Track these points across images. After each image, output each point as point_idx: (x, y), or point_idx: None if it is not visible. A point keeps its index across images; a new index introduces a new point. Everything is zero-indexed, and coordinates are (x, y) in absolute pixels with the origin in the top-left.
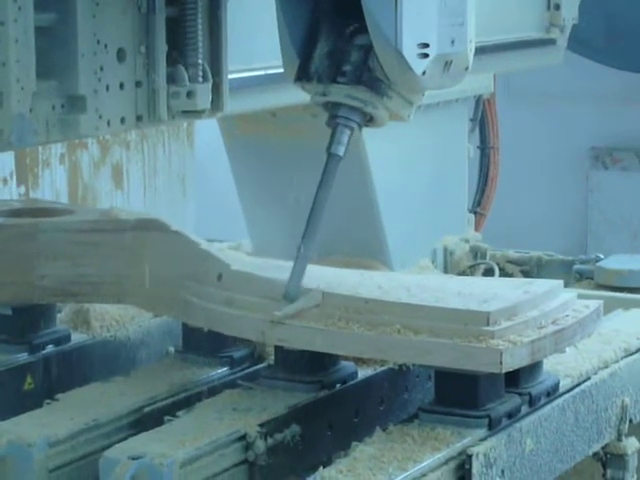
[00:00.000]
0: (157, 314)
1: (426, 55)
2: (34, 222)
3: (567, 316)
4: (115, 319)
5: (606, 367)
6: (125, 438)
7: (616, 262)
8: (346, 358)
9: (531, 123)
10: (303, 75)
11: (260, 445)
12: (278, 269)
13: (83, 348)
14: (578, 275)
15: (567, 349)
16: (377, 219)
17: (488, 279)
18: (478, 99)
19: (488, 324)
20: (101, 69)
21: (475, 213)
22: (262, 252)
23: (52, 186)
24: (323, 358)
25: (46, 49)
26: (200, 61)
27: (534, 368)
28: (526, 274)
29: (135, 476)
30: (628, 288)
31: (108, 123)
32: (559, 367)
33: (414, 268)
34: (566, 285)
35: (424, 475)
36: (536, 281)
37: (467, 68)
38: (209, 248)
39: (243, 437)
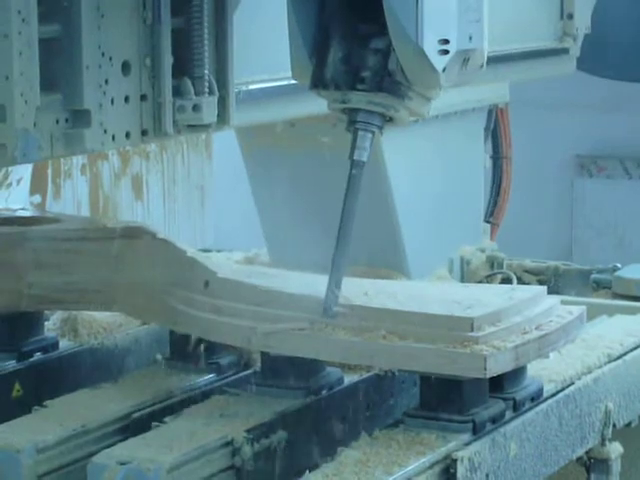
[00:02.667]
0: (144, 322)
1: (446, 51)
2: (22, 231)
3: (551, 322)
4: (103, 327)
5: (589, 372)
6: (113, 444)
7: (634, 271)
8: (332, 364)
9: (516, 131)
10: (319, 82)
11: (247, 451)
12: (265, 276)
13: (71, 355)
14: (595, 285)
15: (551, 354)
16: (395, 229)
17: (472, 285)
18: (491, 109)
19: (472, 330)
20: (106, 82)
21: (488, 223)
22: (279, 262)
23: (74, 197)
24: (309, 364)
25: (50, 62)
26: (206, 74)
27: (518, 373)
28: (543, 284)
29: None
30: None
31: (113, 138)
32: (543, 372)
33: (431, 278)
34: (583, 295)
35: (409, 479)
36: (520, 287)
37: (482, 65)
38: (196, 256)
39: (230, 443)
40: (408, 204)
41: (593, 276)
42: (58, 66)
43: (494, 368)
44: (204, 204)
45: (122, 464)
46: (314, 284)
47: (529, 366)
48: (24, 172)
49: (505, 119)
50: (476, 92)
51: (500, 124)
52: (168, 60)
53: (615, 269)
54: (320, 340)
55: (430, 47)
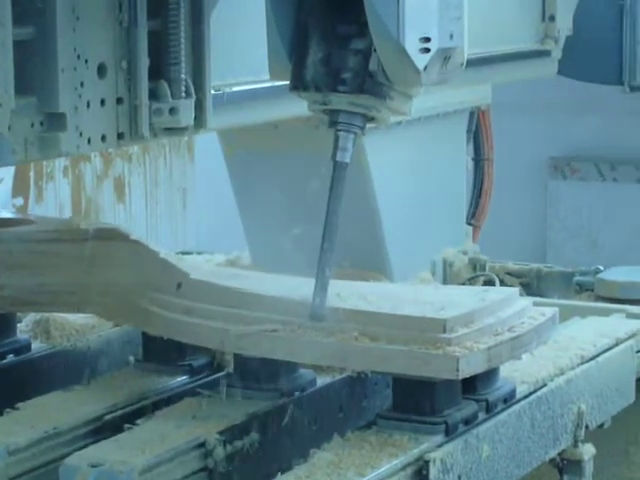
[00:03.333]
0: (117, 323)
1: (428, 50)
2: None
3: (523, 323)
4: (75, 328)
5: (562, 374)
6: (85, 446)
7: (617, 274)
8: (305, 366)
9: None
10: (299, 84)
11: (219, 452)
12: (238, 278)
13: (43, 357)
14: (578, 287)
15: (523, 356)
16: (378, 231)
17: (445, 287)
18: (472, 111)
19: (445, 331)
20: (81, 85)
21: (469, 225)
22: (261, 264)
23: (56, 199)
24: (282, 366)
25: (25, 64)
26: (183, 76)
27: (490, 375)
28: (525, 286)
29: None
30: (629, 300)
31: (89, 141)
32: (515, 374)
33: (414, 280)
34: (566, 297)
35: None
36: (493, 289)
37: (462, 64)
38: (168, 257)
39: (202, 444)
40: (391, 206)
41: (576, 278)
42: (33, 69)
43: (466, 369)
44: (186, 206)
45: (94, 466)
46: (288, 286)
47: (501, 367)
48: (5, 173)
49: (487, 121)
50: (458, 94)
51: (482, 126)
52: (144, 62)
53: (597, 271)
54: (293, 342)
55: (411, 45)
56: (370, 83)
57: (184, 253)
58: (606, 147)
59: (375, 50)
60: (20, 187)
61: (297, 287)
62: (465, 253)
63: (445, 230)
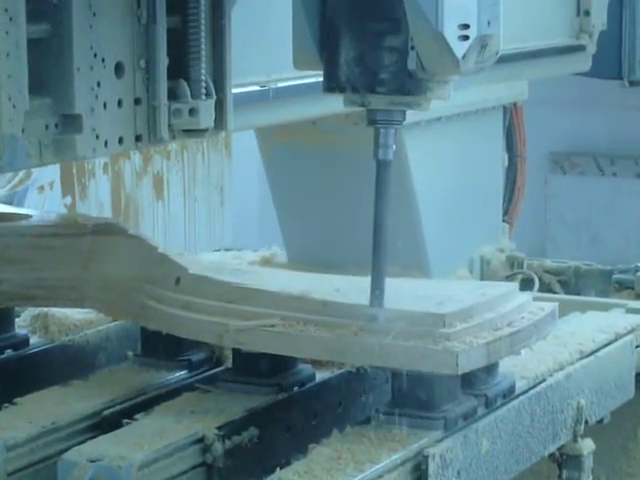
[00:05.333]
0: (116, 318)
1: (467, 37)
2: None
3: (523, 318)
4: (74, 323)
5: (561, 369)
6: (84, 441)
7: None
8: (304, 361)
9: None
10: (334, 85)
11: (218, 447)
12: (236, 273)
13: (42, 352)
14: (617, 285)
15: (523, 351)
16: (418, 229)
17: (444, 281)
18: (505, 107)
19: (444, 326)
20: (98, 85)
21: (502, 222)
22: (297, 261)
23: (97, 197)
24: (281, 361)
25: (39, 63)
26: (203, 76)
27: (490, 370)
28: (564, 284)
29: (93, 479)
30: None
31: (105, 144)
32: (515, 369)
33: (452, 278)
34: (605, 295)
35: (381, 476)
36: (492, 284)
37: (498, 52)
38: (167, 252)
39: (201, 440)
40: (430, 203)
41: (615, 276)
42: (48, 68)
43: (466, 365)
44: (223, 203)
45: (92, 461)
46: (287, 281)
47: (501, 363)
48: (54, 175)
49: (520, 117)
50: (496, 90)
51: (515, 123)
52: (163, 61)
53: (637, 269)
54: (292, 337)
55: (450, 32)
56: (410, 82)
57: (214, 251)
58: (606, 142)
59: (412, 48)
60: (67, 186)
61: (296, 282)
62: (502, 251)
63: (482, 227)
